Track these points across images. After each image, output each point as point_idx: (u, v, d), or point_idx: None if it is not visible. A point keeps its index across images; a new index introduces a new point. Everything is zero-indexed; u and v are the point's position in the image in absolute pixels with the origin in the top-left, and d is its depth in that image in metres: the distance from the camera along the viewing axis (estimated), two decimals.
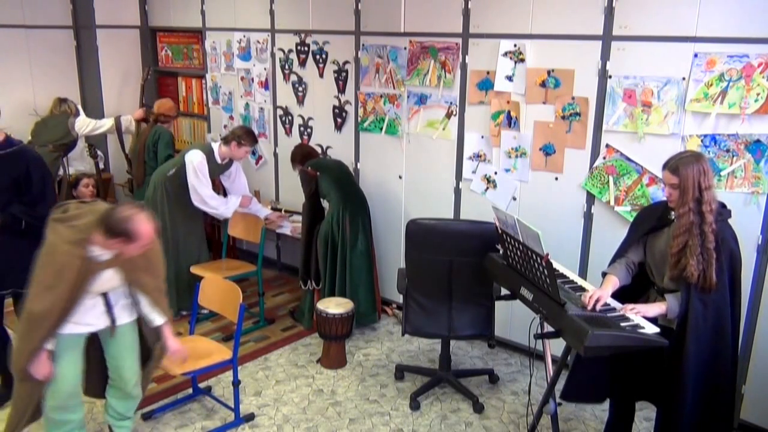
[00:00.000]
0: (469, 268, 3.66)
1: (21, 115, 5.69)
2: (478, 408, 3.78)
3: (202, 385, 3.92)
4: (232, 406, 3.65)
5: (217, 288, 3.68)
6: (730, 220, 2.78)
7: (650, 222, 2.91)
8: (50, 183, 3.54)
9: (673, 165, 2.72)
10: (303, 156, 4.78)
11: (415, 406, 3.80)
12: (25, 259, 3.46)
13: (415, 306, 3.77)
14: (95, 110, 6.27)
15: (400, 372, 4.15)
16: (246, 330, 4.63)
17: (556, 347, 3.26)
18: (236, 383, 3.55)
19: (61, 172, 4.99)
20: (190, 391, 3.89)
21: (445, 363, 3.97)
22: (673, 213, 2.77)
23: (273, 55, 5.46)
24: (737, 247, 2.74)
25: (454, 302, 3.75)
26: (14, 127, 4.80)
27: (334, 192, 4.38)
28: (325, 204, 4.65)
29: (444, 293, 3.74)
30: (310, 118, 5.32)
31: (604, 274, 2.97)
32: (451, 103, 4.40)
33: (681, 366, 2.69)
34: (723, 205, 2.79)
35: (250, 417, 3.68)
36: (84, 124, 5.46)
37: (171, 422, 3.64)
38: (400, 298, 4.25)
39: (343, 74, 5.00)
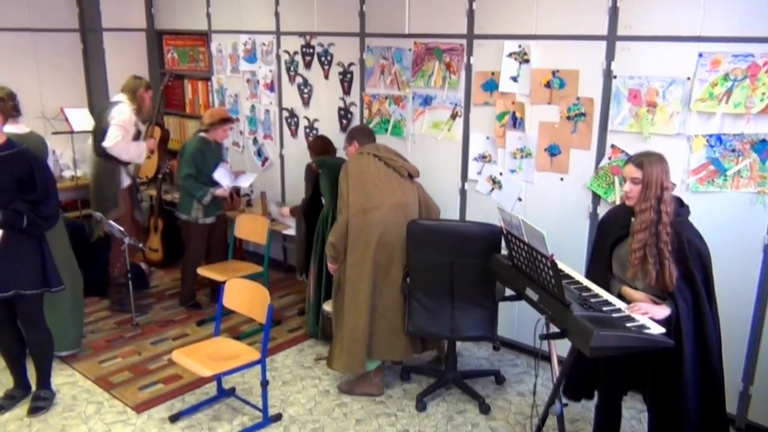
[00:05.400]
0: (472, 269, 3.67)
1: (29, 118, 5.72)
2: (485, 409, 3.78)
3: (209, 384, 3.94)
4: (259, 406, 3.68)
5: (244, 290, 3.71)
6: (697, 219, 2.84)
7: (615, 232, 2.94)
8: (53, 184, 3.56)
9: (638, 160, 2.79)
10: (320, 150, 4.75)
11: (421, 407, 3.81)
12: (27, 260, 3.50)
13: (418, 306, 3.78)
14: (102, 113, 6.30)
15: (407, 373, 4.16)
16: (252, 331, 4.65)
17: (562, 348, 3.26)
18: (265, 383, 3.58)
19: (127, 181, 4.98)
20: (214, 391, 3.91)
21: (451, 364, 3.98)
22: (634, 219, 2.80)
23: (278, 57, 5.47)
24: (704, 245, 2.78)
25: (457, 303, 3.75)
26: (36, 132, 4.85)
27: (328, 193, 4.36)
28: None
29: (446, 294, 3.75)
30: (315, 120, 5.34)
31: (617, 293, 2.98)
32: (456, 104, 4.40)
33: (677, 365, 2.73)
34: (681, 203, 2.82)
35: (278, 417, 3.70)
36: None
37: (203, 423, 3.66)
38: None
39: (349, 76, 5.01)
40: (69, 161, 6.08)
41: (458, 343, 4.27)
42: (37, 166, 3.46)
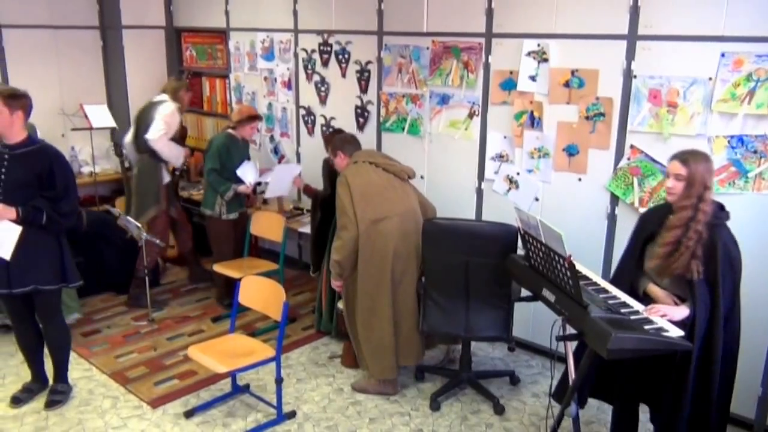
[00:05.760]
0: (487, 269, 3.66)
1: (49, 114, 5.79)
2: (499, 409, 3.76)
3: (224, 381, 3.95)
4: (273, 403, 3.69)
5: (259, 287, 3.72)
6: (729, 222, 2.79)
7: (651, 228, 2.90)
8: (73, 181, 3.59)
9: (683, 157, 2.76)
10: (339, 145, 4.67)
11: (435, 406, 3.79)
12: (45, 256, 3.53)
13: (432, 305, 3.77)
14: (121, 110, 6.35)
15: (421, 372, 4.15)
16: (267, 328, 4.66)
17: (575, 349, 3.23)
18: (279, 381, 3.58)
19: (167, 178, 5.05)
20: (229, 388, 3.93)
21: (465, 364, 3.96)
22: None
23: (296, 55, 5.48)
24: (738, 252, 2.76)
25: (472, 303, 3.73)
26: (43, 126, 4.91)
27: None
28: None
29: (461, 293, 3.73)
30: (332, 118, 5.34)
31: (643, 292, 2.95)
32: (473, 103, 4.38)
33: (683, 366, 2.71)
34: (721, 207, 2.79)
35: (292, 414, 3.71)
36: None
37: (217, 419, 3.68)
38: None
39: (366, 74, 5.00)
40: (87, 157, 6.14)
41: (473, 343, 4.25)
42: (57, 162, 3.49)
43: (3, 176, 3.40)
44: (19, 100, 3.42)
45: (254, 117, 4.94)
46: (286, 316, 3.51)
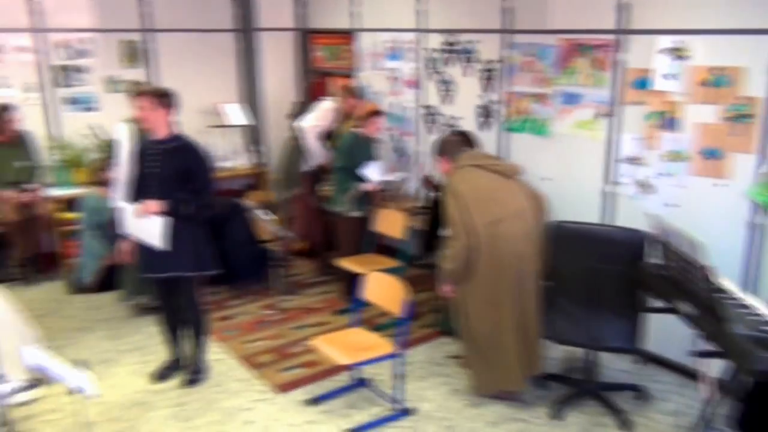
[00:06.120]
0: (616, 277, 3.52)
1: (188, 112, 6.19)
2: (627, 425, 3.61)
3: (345, 373, 4.08)
4: (393, 399, 3.78)
5: (382, 283, 3.81)
6: None
7: None
8: (213, 174, 3.87)
9: None
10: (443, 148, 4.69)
11: (556, 415, 3.71)
12: (185, 245, 3.80)
13: (559, 312, 3.68)
14: (256, 110, 6.71)
15: (543, 379, 4.06)
16: (388, 324, 4.74)
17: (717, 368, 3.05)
18: (399, 377, 3.66)
19: (308, 166, 5.37)
20: (349, 380, 4.05)
21: (590, 374, 3.84)
22: None
23: (420, 54, 5.53)
24: None
25: (599, 311, 3.61)
26: (189, 124, 5.27)
27: None
28: None
29: (588, 301, 3.62)
30: (455, 117, 5.34)
31: None
32: (603, 102, 4.23)
33: None
34: None
35: (411, 411, 3.76)
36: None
37: (338, 410, 3.81)
38: None
39: (490, 73, 4.97)
40: (223, 153, 6.52)
41: (599, 353, 4.11)
42: (197, 157, 3.77)
43: (157, 170, 3.70)
44: (168, 99, 3.71)
45: (376, 112, 5.03)
46: (409, 313, 3.57)
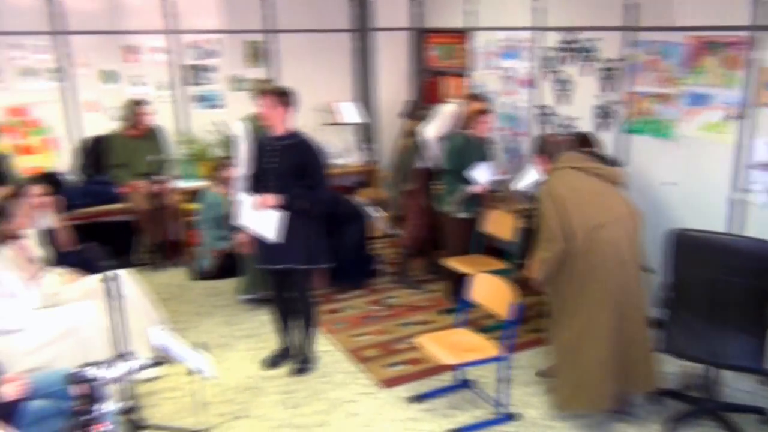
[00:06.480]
0: (743, 290, 3.31)
1: (305, 110, 6.40)
2: None
3: (448, 373, 4.08)
4: (497, 402, 3.74)
5: (490, 285, 3.79)
6: None
7: None
8: (327, 171, 4.00)
9: None
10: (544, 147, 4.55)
11: None
12: (299, 239, 3.94)
13: (680, 325, 3.48)
14: (370, 108, 6.84)
15: (658, 394, 3.86)
16: (494, 327, 4.67)
17: None
18: (504, 380, 3.63)
19: (423, 164, 5.47)
20: (452, 380, 4.04)
21: (710, 392, 3.62)
22: None
23: (537, 53, 5.42)
24: None
25: (723, 326, 3.39)
26: (305, 122, 5.46)
27: None
28: None
29: (711, 315, 3.41)
30: (571, 118, 5.19)
31: None
32: (734, 104, 3.97)
33: None
34: None
35: (514, 416, 3.71)
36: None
37: (440, 409, 3.82)
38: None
39: (611, 72, 4.78)
40: (336, 150, 6.69)
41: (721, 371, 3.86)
42: (313, 154, 3.90)
43: (275, 165, 3.86)
44: (287, 97, 3.87)
45: (483, 111, 4.96)
46: (517, 317, 3.51)
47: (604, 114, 4.88)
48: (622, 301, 3.43)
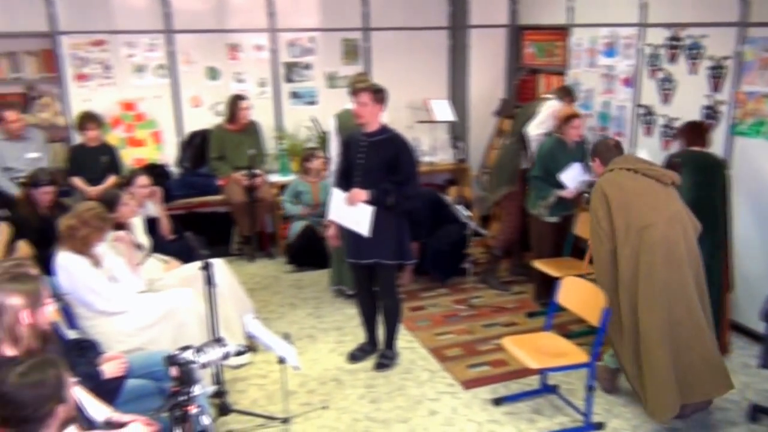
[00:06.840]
0: None
1: (397, 107, 6.45)
2: None
3: (532, 377, 3.99)
4: (581, 410, 3.64)
5: (580, 289, 3.67)
6: None
7: None
8: (417, 167, 4.01)
9: None
10: (689, 139, 4.23)
11: None
12: (387, 235, 3.96)
13: None
14: (461, 106, 6.78)
15: (756, 413, 3.62)
16: (581, 332, 4.54)
17: None
18: (591, 388, 3.52)
19: (525, 164, 5.43)
20: (536, 384, 3.96)
21: None
22: None
23: (640, 50, 5.18)
24: None
25: None
26: (398, 119, 5.50)
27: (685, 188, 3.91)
28: None
29: None
30: (675, 119, 4.93)
31: None
32: None
33: None
34: None
35: (600, 426, 3.59)
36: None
37: (523, 413, 3.76)
38: (755, 324, 3.71)
39: (721, 71, 4.50)
40: (427, 148, 6.68)
41: None
42: (405, 150, 3.93)
43: (363, 161, 3.91)
44: (381, 95, 3.91)
45: (571, 117, 4.81)
46: (606, 322, 3.39)
47: (711, 114, 4.60)
48: (675, 304, 3.31)
